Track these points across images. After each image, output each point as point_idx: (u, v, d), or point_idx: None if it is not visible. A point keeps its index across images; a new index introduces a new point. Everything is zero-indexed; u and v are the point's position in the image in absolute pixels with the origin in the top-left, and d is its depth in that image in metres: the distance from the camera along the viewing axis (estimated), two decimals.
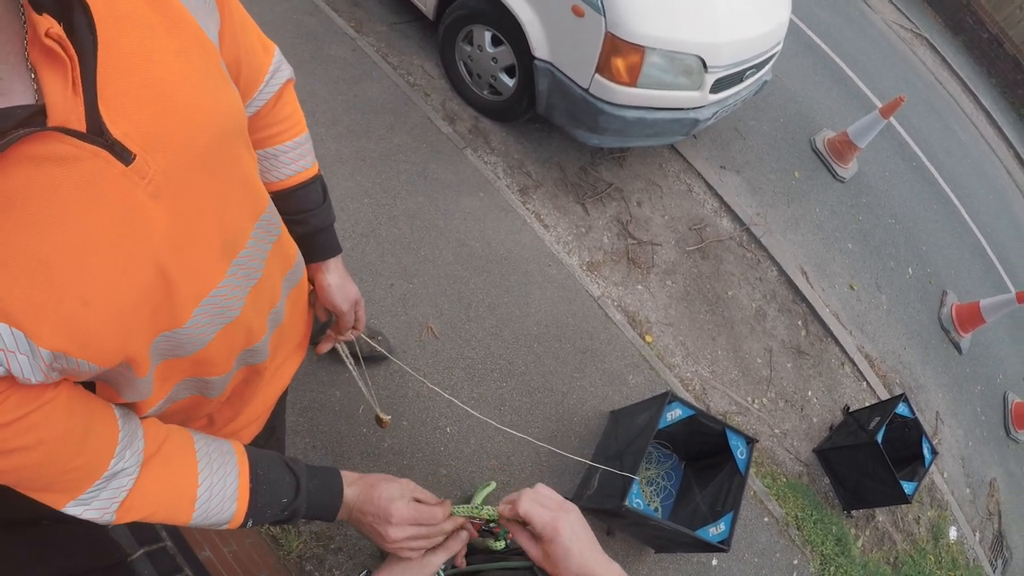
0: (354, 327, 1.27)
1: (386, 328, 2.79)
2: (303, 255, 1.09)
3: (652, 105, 3.07)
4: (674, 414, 2.60)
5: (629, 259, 3.69)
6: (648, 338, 3.47)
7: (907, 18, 9.84)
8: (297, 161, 1.08)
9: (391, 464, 2.51)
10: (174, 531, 1.47)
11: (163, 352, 0.74)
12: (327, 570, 2.23)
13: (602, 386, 3.21)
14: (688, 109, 3.22)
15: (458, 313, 3.00)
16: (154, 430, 0.79)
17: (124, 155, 0.58)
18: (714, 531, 2.48)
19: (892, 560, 3.80)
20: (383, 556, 2.26)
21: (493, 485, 1.15)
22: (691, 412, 2.63)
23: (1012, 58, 11.13)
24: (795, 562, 3.37)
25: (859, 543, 3.69)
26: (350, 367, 1.42)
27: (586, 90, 2.92)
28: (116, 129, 0.57)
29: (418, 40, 3.65)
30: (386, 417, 1.54)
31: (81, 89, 0.54)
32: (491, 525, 0.88)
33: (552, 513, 0.78)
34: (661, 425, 2.57)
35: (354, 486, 0.96)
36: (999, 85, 11.32)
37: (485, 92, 3.44)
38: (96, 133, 0.55)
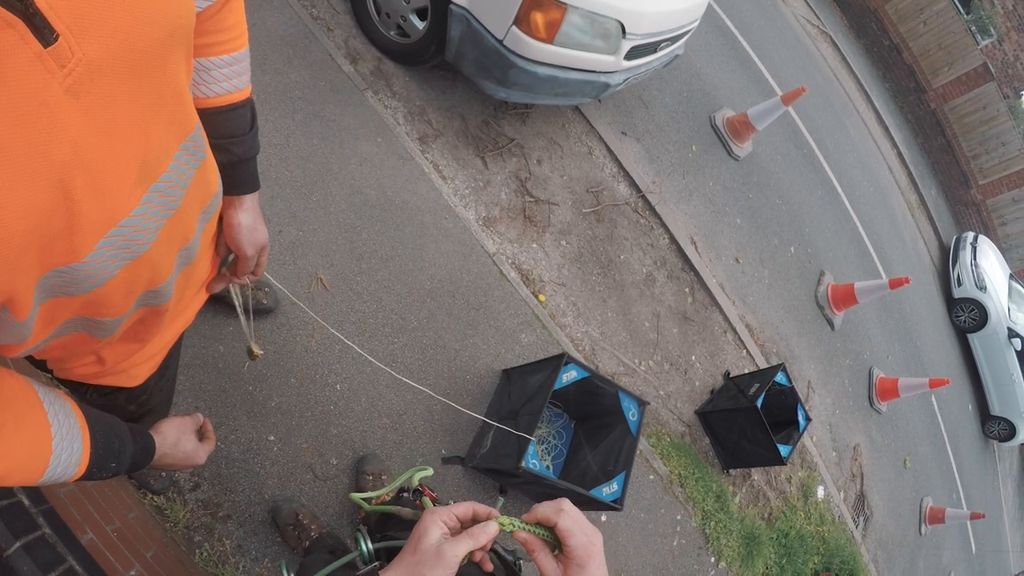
0: (253, 272, 1.15)
1: (274, 277, 2.50)
2: (226, 190, 1.00)
3: (565, 64, 2.97)
4: (569, 376, 2.53)
5: (526, 217, 3.58)
6: (541, 297, 3.38)
7: (815, 15, 10.38)
8: (231, 79, 0.97)
9: (278, 425, 2.33)
10: (52, 516, 1.32)
11: (51, 289, 0.62)
12: (216, 539, 2.10)
13: (495, 344, 3.08)
14: (600, 73, 3.15)
15: (350, 264, 2.76)
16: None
17: (44, 32, 0.45)
18: (607, 490, 2.44)
19: (766, 516, 3.99)
20: (276, 521, 2.03)
21: (430, 471, 0.97)
22: (586, 374, 2.57)
23: (908, 67, 12.13)
24: (678, 517, 3.44)
25: (736, 499, 3.83)
26: (239, 312, 1.35)
27: (500, 42, 2.77)
28: None
29: None
30: (259, 350, 1.46)
31: None
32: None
33: (588, 538, 0.72)
34: (557, 387, 2.49)
35: (157, 437, 0.98)
36: (891, 89, 12.32)
37: (392, 33, 3.19)
38: None
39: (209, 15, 0.86)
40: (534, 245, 3.54)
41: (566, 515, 0.73)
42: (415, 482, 0.98)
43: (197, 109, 0.86)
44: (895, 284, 5.01)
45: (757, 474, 4.05)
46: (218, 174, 0.90)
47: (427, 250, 3.03)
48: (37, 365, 0.92)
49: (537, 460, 2.28)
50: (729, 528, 3.64)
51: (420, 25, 3.01)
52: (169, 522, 2.06)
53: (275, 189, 2.70)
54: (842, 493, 4.72)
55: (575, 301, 3.56)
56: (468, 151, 3.49)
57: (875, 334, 6.14)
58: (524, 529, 0.76)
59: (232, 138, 1.01)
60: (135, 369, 0.99)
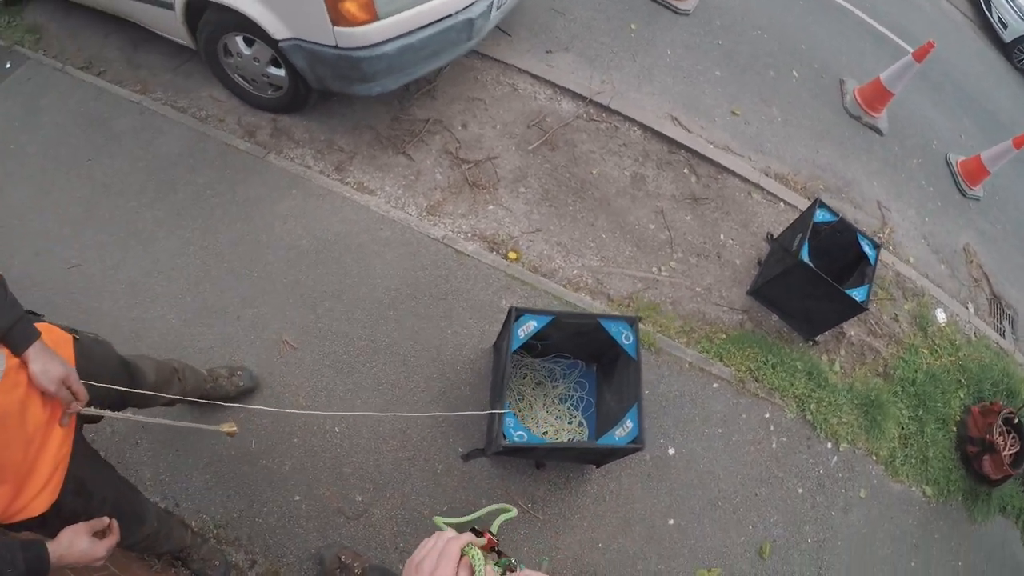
0: (76, 399, 1.35)
1: (246, 358, 2.65)
2: (12, 352, 1.24)
3: (411, 29, 2.77)
4: (528, 327, 2.24)
5: (470, 184, 3.30)
6: (511, 255, 3.09)
7: None
8: None
9: (299, 484, 2.44)
10: None
11: None
12: None
13: (475, 323, 2.84)
14: (455, 13, 2.90)
15: (306, 316, 2.80)
16: None
17: None
18: (620, 432, 2.12)
19: (881, 371, 3.41)
20: (322, 569, 2.22)
21: (514, 512, 0.83)
22: (548, 318, 2.27)
23: None
24: (766, 415, 3.00)
25: (835, 368, 3.30)
26: (132, 417, 1.64)
27: (336, 47, 2.70)
28: None
29: (202, 73, 3.42)
30: (230, 428, 1.64)
31: None
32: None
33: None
34: (517, 344, 2.22)
35: (51, 544, 1.21)
36: None
37: (269, 92, 3.22)
38: None
39: None
40: (491, 207, 3.25)
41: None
42: (495, 527, 0.85)
43: None
44: (920, 55, 4.16)
45: (852, 329, 3.47)
46: None
47: (374, 267, 2.95)
48: None
49: (524, 430, 2.00)
50: (836, 403, 3.13)
51: (282, 72, 3.05)
52: None
53: (220, 283, 2.82)
54: (970, 306, 3.96)
55: (559, 240, 3.23)
56: (388, 154, 3.35)
57: (934, 118, 5.17)
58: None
59: None
60: (33, 503, 1.28)
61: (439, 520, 0.85)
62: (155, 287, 2.79)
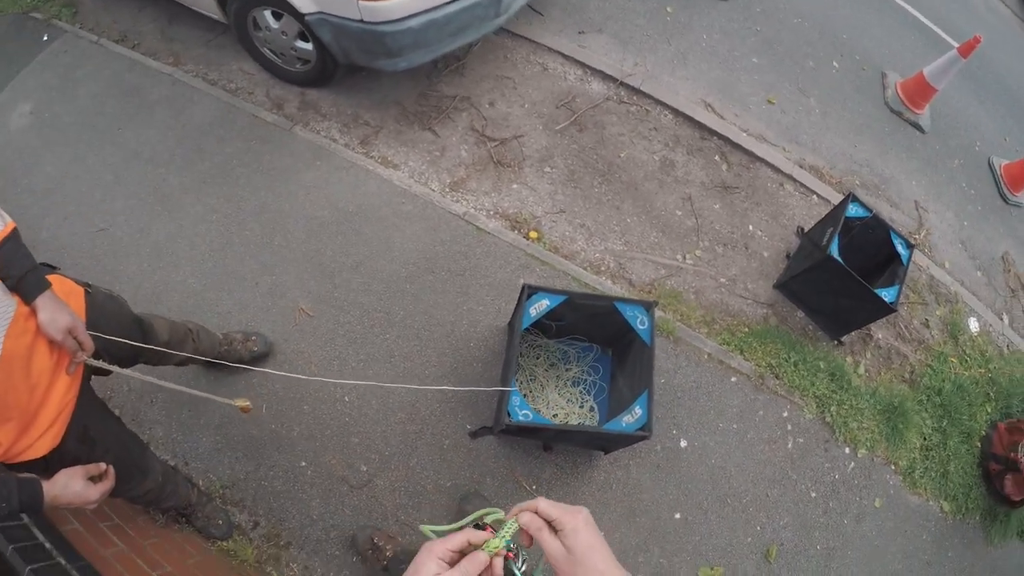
0: (82, 348, 1.38)
1: (263, 325, 2.68)
2: (23, 300, 1.30)
3: (437, 4, 2.74)
4: (540, 306, 2.19)
5: (495, 162, 3.25)
6: (533, 234, 3.03)
7: None
8: None
9: (306, 450, 2.47)
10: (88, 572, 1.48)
11: None
12: (285, 565, 2.30)
13: (492, 301, 2.81)
14: None
15: (324, 285, 2.81)
16: None
17: None
18: (629, 419, 2.06)
19: (907, 377, 3.29)
20: (356, 547, 2.27)
21: (501, 513, 0.85)
22: (561, 298, 2.21)
23: None
24: (784, 414, 2.91)
25: (860, 370, 3.19)
26: (140, 376, 1.57)
27: (361, 21, 2.69)
28: None
29: (233, 47, 3.44)
30: (244, 403, 1.62)
31: None
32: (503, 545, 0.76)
33: (571, 512, 0.74)
34: (528, 322, 2.17)
35: (47, 484, 1.24)
36: None
37: (297, 65, 3.23)
38: None
39: None
40: (515, 186, 3.20)
41: (543, 506, 0.75)
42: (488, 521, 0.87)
43: None
44: (965, 50, 3.95)
45: (880, 331, 3.35)
46: None
47: (394, 240, 2.95)
48: None
49: (529, 410, 1.95)
50: (857, 407, 3.02)
51: (309, 46, 3.05)
52: (239, 560, 2.25)
53: (241, 250, 2.86)
54: (1004, 317, 3.80)
55: (582, 222, 3.16)
56: (414, 130, 3.34)
57: (979, 118, 4.94)
58: (508, 545, 0.76)
59: (7, 266, 1.28)
60: (36, 444, 1.33)
61: (426, 529, 0.83)
62: (178, 252, 2.82)
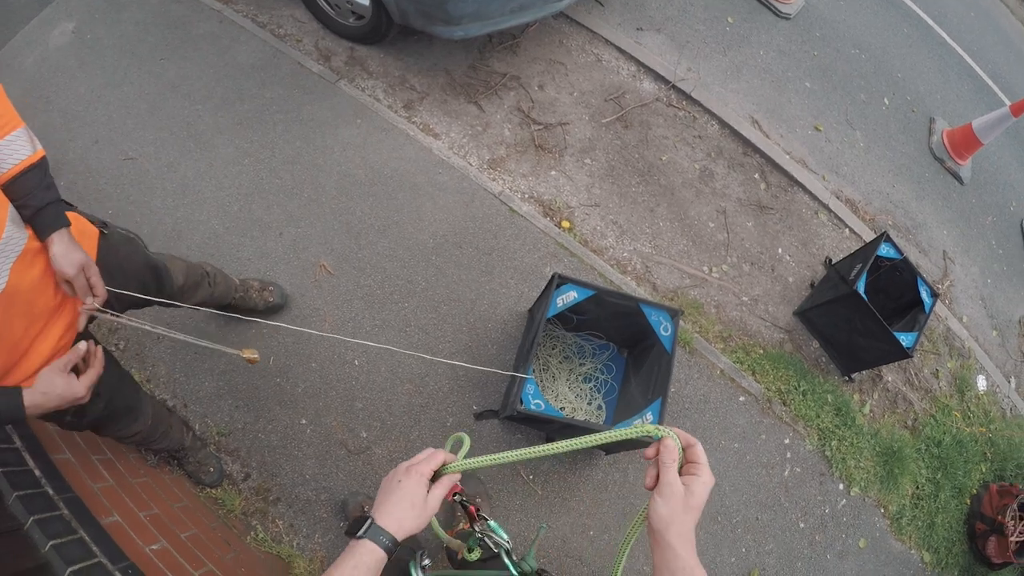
0: (94, 294, 1.32)
1: (281, 277, 2.63)
2: (36, 234, 1.24)
3: None
4: (567, 297, 2.15)
5: (537, 146, 3.20)
6: (565, 224, 2.99)
7: None
8: (14, 155, 1.20)
9: (308, 408, 2.44)
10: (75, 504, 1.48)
11: None
12: (271, 520, 2.28)
13: (515, 285, 2.77)
14: None
15: (348, 244, 2.76)
16: None
17: None
18: (639, 423, 2.02)
19: (910, 424, 3.29)
20: (345, 513, 2.22)
21: (466, 439, 1.05)
22: (590, 292, 2.18)
23: None
24: (786, 441, 2.90)
25: (865, 409, 3.18)
26: (148, 327, 1.46)
27: None
28: None
29: None
30: (252, 355, 1.55)
31: None
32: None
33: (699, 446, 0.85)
34: (553, 311, 2.13)
35: (26, 390, 1.19)
36: None
37: (351, 20, 3.16)
38: None
39: None
40: (553, 172, 3.15)
41: (699, 448, 0.85)
42: (460, 458, 0.99)
43: None
44: (1017, 109, 3.92)
45: (891, 374, 3.34)
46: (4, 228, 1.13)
47: (424, 209, 2.89)
48: None
49: (542, 400, 1.93)
50: (858, 446, 3.01)
51: (367, 2, 2.97)
52: (225, 509, 2.22)
53: (270, 198, 2.80)
54: (1012, 380, 3.79)
55: (615, 219, 3.12)
56: (459, 101, 3.26)
57: (1018, 180, 4.90)
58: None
59: (27, 196, 1.22)
60: (25, 383, 1.22)
61: (435, 525, 1.02)
62: (205, 191, 2.76)
